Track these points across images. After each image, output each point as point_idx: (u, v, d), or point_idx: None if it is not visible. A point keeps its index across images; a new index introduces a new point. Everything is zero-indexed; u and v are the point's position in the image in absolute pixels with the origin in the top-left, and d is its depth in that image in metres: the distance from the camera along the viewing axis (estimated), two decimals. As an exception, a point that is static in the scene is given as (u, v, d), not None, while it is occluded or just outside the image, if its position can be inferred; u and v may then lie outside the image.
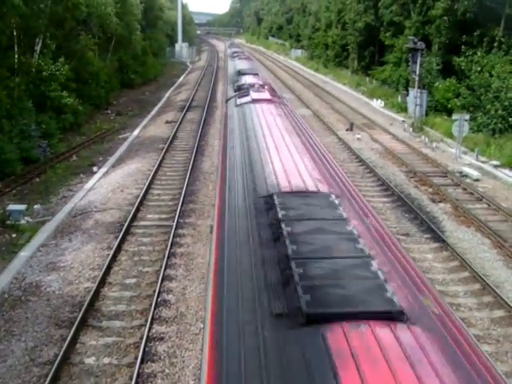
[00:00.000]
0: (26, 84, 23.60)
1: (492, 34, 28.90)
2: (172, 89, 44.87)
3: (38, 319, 9.69)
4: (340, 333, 2.96)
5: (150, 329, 9.32)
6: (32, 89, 24.18)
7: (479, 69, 27.07)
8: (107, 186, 17.60)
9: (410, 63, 29.79)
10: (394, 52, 38.53)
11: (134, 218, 14.57)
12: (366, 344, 2.88)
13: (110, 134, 27.31)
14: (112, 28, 37.13)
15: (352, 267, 3.74)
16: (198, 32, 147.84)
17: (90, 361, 8.60)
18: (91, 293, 10.32)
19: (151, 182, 17.63)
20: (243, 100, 12.33)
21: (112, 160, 21.55)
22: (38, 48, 25.27)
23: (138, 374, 8.17)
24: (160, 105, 36.43)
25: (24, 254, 12.35)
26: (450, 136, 24.06)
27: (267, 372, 2.87)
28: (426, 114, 29.32)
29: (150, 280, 11.19)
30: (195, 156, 21.09)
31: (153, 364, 8.51)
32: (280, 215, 4.73)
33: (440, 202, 16.40)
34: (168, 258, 12.03)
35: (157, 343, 9.03)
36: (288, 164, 6.67)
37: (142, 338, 9.01)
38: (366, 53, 47.18)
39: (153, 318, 9.67)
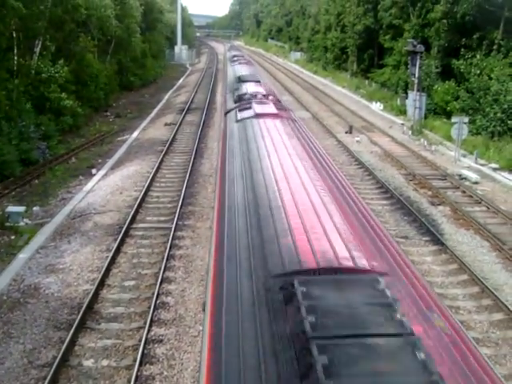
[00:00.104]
0: (25, 86, 23.62)
1: (491, 37, 28.98)
2: (171, 91, 44.90)
3: (36, 321, 9.67)
4: None
5: (148, 331, 9.31)
6: (31, 90, 24.20)
7: (478, 72, 27.14)
8: (106, 188, 17.59)
9: (409, 66, 29.83)
10: (394, 55, 38.63)
11: (133, 220, 14.55)
12: None
13: (109, 136, 27.30)
14: (111, 30, 37.22)
15: None
16: (198, 34, 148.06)
17: (89, 363, 8.57)
18: (90, 295, 10.30)
19: (150, 185, 17.62)
20: (245, 114, 10.88)
21: (111, 162, 21.54)
22: (37, 50, 25.29)
23: (137, 377, 8.16)
24: (159, 107, 36.44)
25: (23, 255, 12.33)
26: (449, 139, 24.08)
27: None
28: (425, 117, 29.35)
29: (148, 282, 11.17)
30: (194, 158, 21.10)
31: (151, 366, 8.49)
32: (308, 326, 3.13)
33: (439, 204, 16.40)
34: (167, 260, 12.02)
35: (155, 345, 9.01)
36: (309, 218, 4.86)
37: (140, 341, 8.99)
38: (365, 55, 47.27)
39: (151, 321, 9.65)
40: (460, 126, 21.55)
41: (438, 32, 32.26)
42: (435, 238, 13.62)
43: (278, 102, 13.00)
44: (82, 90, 30.35)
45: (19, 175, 18.85)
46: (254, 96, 13.24)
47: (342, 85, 47.85)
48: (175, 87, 47.57)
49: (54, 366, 8.18)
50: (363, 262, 4.00)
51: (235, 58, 31.21)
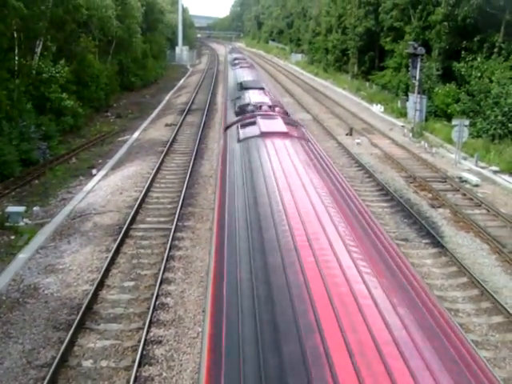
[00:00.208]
0: (25, 86, 23.64)
1: (492, 39, 28.97)
2: (172, 92, 44.93)
3: (35, 321, 9.66)
4: None
5: (147, 332, 9.30)
6: (32, 91, 24.23)
7: (479, 74, 27.14)
8: (106, 188, 17.60)
9: (409, 68, 29.88)
10: (394, 57, 38.66)
11: (133, 220, 14.56)
12: None
13: (109, 136, 27.31)
14: (112, 31, 37.28)
15: None
16: (199, 35, 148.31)
17: (88, 364, 8.57)
18: (89, 295, 10.30)
19: (150, 185, 17.62)
20: (248, 132, 9.11)
21: (111, 162, 21.55)
22: (38, 50, 25.32)
23: (136, 378, 8.15)
24: (160, 107, 36.45)
25: (22, 255, 12.33)
26: (450, 141, 24.10)
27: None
28: (426, 120, 29.37)
29: (148, 283, 11.17)
30: (195, 159, 21.11)
31: (150, 367, 8.48)
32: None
33: (439, 207, 16.40)
34: (167, 260, 12.02)
35: (154, 346, 9.01)
36: (342, 296, 3.50)
37: (139, 341, 8.99)
38: (366, 58, 47.30)
39: (151, 321, 9.65)
40: (460, 128, 21.57)
41: (439, 34, 32.27)
42: (435, 240, 13.62)
43: (286, 116, 11.31)
44: (83, 90, 30.38)
45: (19, 175, 18.86)
46: (258, 107, 11.59)
47: (342, 87, 47.90)
48: (176, 88, 47.60)
49: (53, 367, 8.17)
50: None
51: (236, 61, 29.19)
